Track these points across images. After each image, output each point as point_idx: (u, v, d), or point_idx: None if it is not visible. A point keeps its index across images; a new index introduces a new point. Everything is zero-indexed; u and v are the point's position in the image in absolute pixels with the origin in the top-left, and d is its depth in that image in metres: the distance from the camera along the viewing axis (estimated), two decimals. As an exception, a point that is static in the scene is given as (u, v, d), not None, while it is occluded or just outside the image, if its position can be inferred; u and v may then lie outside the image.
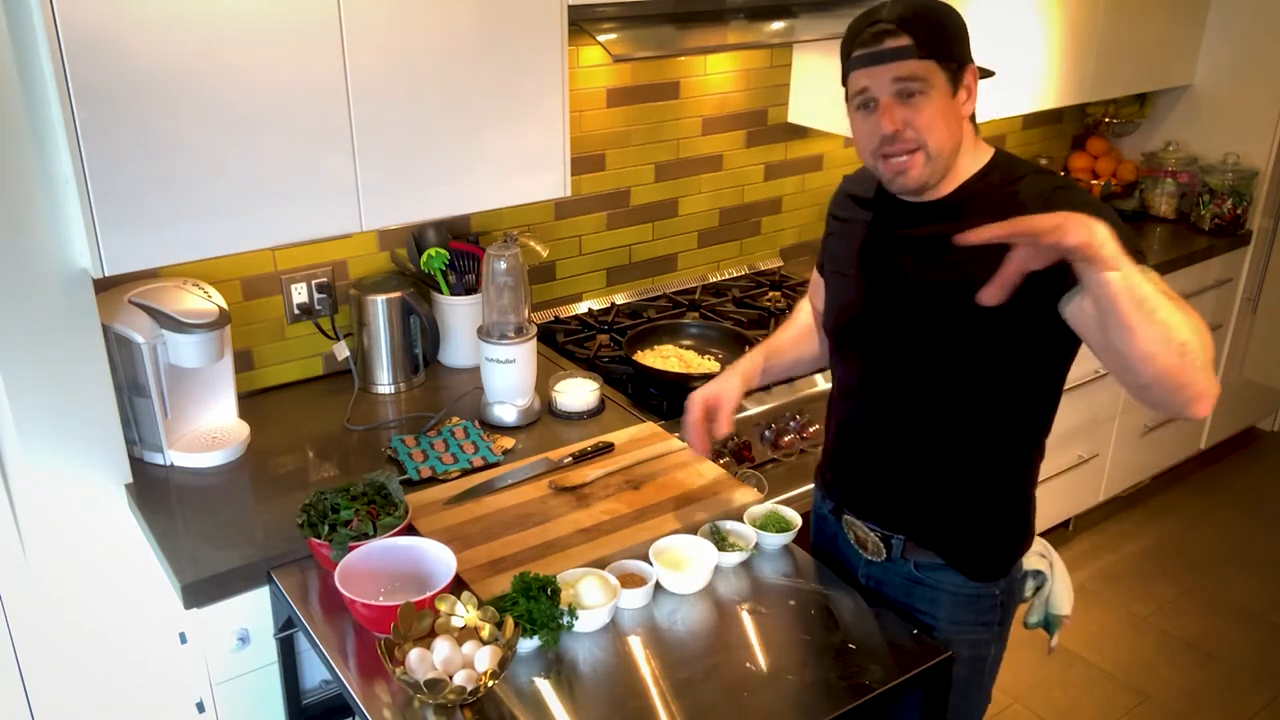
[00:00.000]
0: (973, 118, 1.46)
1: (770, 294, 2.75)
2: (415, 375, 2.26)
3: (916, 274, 1.47)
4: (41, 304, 1.67)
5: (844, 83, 1.45)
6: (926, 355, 1.48)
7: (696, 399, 1.73)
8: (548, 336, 2.47)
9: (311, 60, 1.66)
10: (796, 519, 1.70)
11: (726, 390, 1.72)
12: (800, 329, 1.86)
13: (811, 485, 2.27)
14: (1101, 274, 1.14)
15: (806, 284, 2.78)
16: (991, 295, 1.18)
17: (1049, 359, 1.47)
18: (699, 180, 2.77)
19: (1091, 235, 1.12)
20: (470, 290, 2.27)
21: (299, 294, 2.18)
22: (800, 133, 2.89)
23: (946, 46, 1.39)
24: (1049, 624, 1.81)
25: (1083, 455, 3.19)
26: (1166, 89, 3.55)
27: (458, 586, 1.50)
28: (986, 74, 1.54)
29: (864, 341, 1.57)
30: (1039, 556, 1.74)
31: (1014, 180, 1.43)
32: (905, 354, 1.51)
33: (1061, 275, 1.25)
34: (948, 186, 1.45)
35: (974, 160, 1.46)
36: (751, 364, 1.77)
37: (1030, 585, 1.74)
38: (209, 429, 1.97)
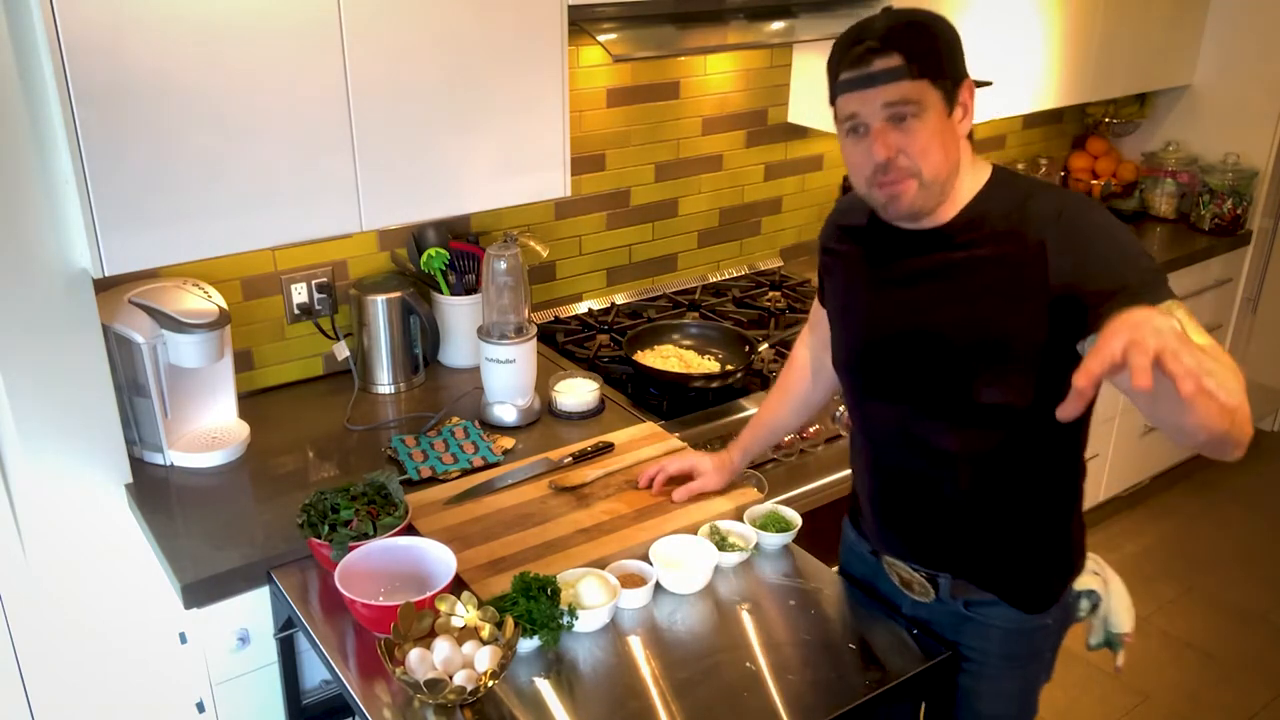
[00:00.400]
0: (970, 134, 1.39)
1: (770, 294, 2.75)
2: (415, 375, 2.26)
3: (926, 309, 1.40)
4: (41, 304, 1.67)
5: (831, 103, 1.36)
6: (948, 392, 1.40)
7: (685, 464, 1.78)
8: (548, 336, 2.47)
9: (312, 60, 1.66)
10: (796, 519, 1.70)
11: (708, 480, 1.76)
12: (789, 397, 1.79)
13: (811, 485, 2.28)
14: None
15: (806, 284, 2.81)
16: (1071, 411, 1.05)
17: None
18: (699, 180, 2.77)
19: (1181, 352, 0.99)
20: (470, 290, 2.26)
21: (299, 294, 2.18)
22: (800, 133, 2.89)
23: (939, 63, 1.30)
24: (1111, 643, 1.70)
25: (1083, 455, 3.19)
26: (1166, 89, 3.55)
27: (458, 586, 1.50)
28: (983, 84, 1.46)
29: (881, 382, 1.49)
30: (1092, 575, 1.64)
31: (1018, 202, 1.35)
32: (926, 392, 1.43)
33: (1076, 318, 1.22)
34: (948, 212, 1.38)
35: (973, 180, 1.38)
36: (740, 458, 1.80)
37: (1085, 605, 1.64)
38: (209, 429, 1.97)
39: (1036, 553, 1.49)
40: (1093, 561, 1.65)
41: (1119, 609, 1.66)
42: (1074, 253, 1.28)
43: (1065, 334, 1.28)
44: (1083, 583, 1.61)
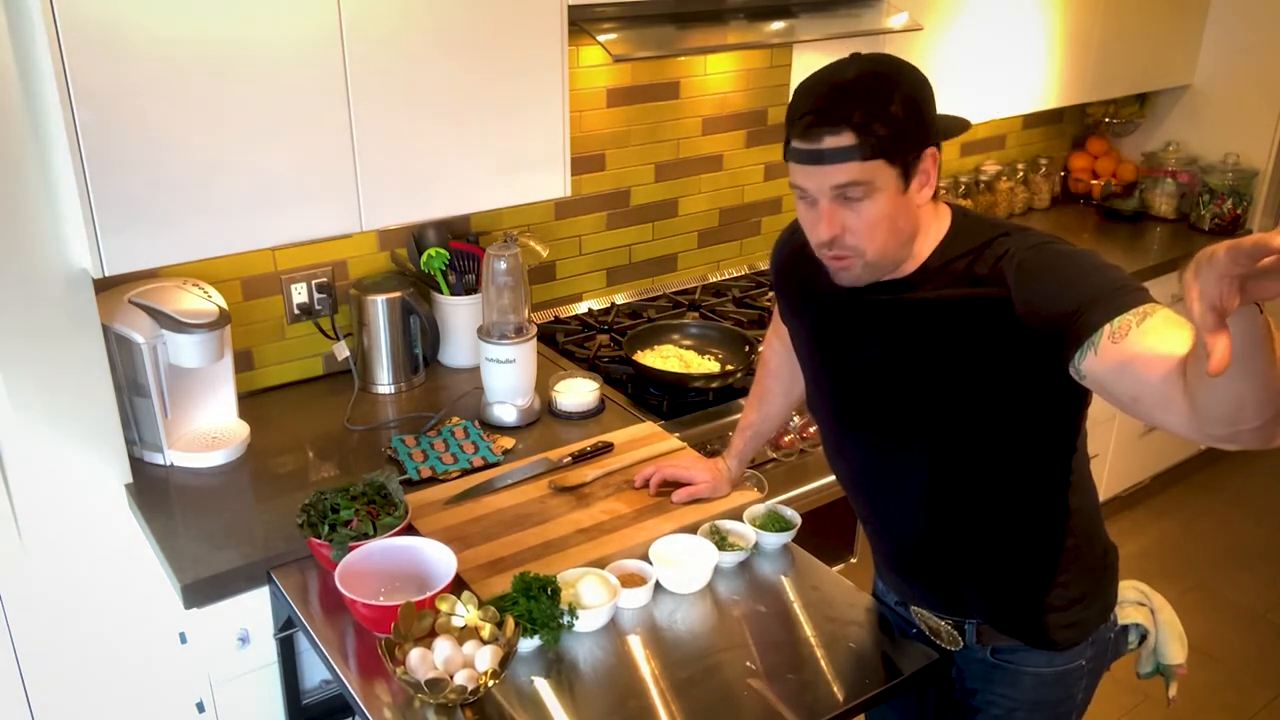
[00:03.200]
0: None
1: (770, 294, 2.75)
2: (415, 375, 2.25)
3: (892, 356, 1.35)
4: (42, 304, 1.67)
5: (785, 159, 1.29)
6: (921, 436, 1.36)
7: (681, 475, 1.77)
8: (548, 336, 2.47)
9: (312, 60, 1.66)
10: (796, 519, 1.70)
11: (705, 490, 1.75)
12: (769, 398, 1.77)
13: (811, 485, 2.29)
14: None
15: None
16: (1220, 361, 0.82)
17: (1059, 408, 1.33)
18: (699, 180, 2.77)
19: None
20: (470, 290, 2.26)
21: (299, 294, 2.18)
22: (800, 133, 2.89)
23: (898, 140, 1.20)
24: (1163, 673, 1.65)
25: (1083, 455, 3.19)
26: (1166, 89, 3.55)
27: (458, 586, 1.50)
28: (963, 126, 1.35)
29: (855, 430, 1.46)
30: (1136, 607, 1.57)
31: (978, 248, 1.29)
32: (901, 438, 1.39)
33: (1055, 345, 1.18)
34: (908, 267, 1.32)
35: (935, 232, 1.32)
36: (736, 465, 1.79)
37: (1133, 638, 1.58)
38: (209, 429, 1.97)
39: (1047, 590, 1.42)
40: (1137, 592, 1.59)
41: (1170, 639, 1.60)
42: (1038, 282, 1.22)
43: (1047, 364, 1.22)
44: (1127, 616, 1.55)
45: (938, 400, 1.33)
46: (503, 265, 1.97)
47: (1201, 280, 0.81)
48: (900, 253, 1.30)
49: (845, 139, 1.19)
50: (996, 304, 1.25)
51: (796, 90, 1.27)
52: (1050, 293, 1.21)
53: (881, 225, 1.25)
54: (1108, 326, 1.13)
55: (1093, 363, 1.14)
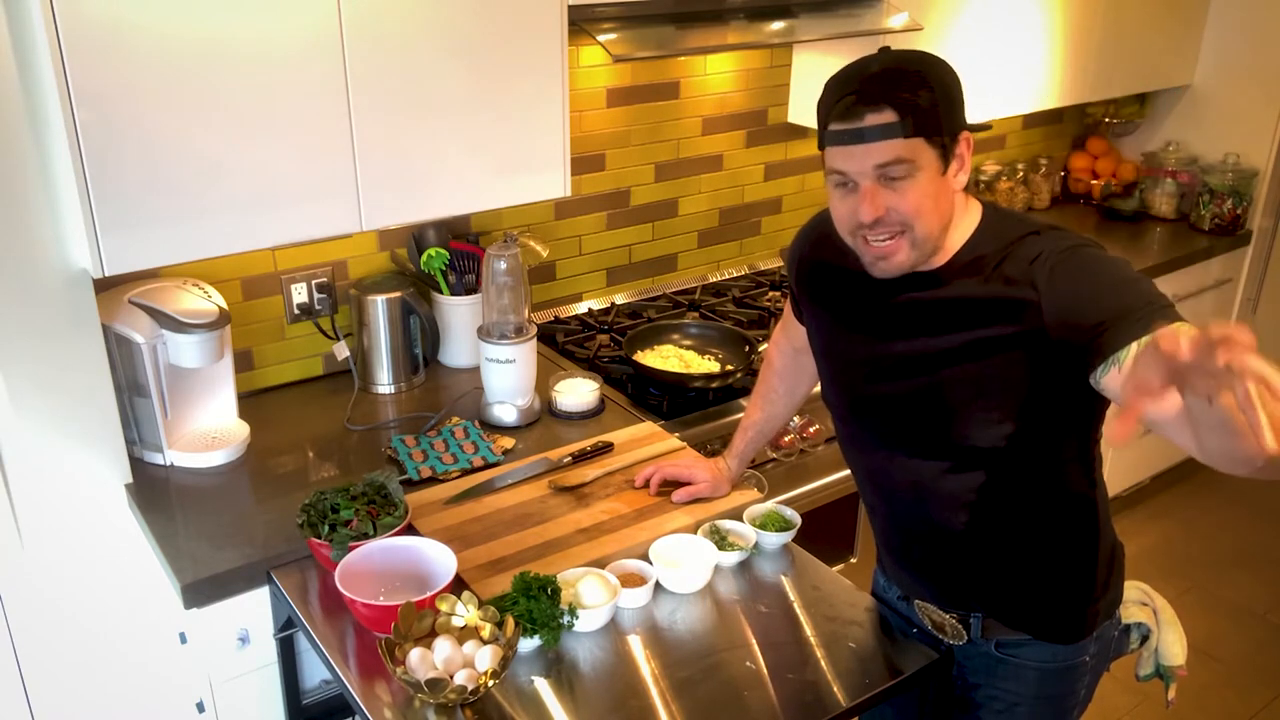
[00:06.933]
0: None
1: (770, 294, 2.75)
2: (415, 375, 2.26)
3: (914, 351, 1.35)
4: (42, 304, 1.67)
5: (820, 149, 1.29)
6: (941, 434, 1.36)
7: (681, 474, 1.76)
8: (548, 336, 2.47)
9: (312, 60, 1.66)
10: (796, 519, 1.70)
11: (705, 489, 1.75)
12: (773, 398, 1.77)
13: (811, 485, 2.29)
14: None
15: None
16: (1123, 435, 0.90)
17: (1076, 409, 1.33)
18: (699, 180, 2.77)
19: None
20: (470, 290, 2.27)
21: (299, 294, 2.18)
22: (800, 133, 2.89)
23: (936, 119, 1.21)
24: (1162, 675, 1.66)
25: (1083, 455, 3.19)
26: (1166, 89, 3.55)
27: (458, 586, 1.50)
28: (980, 128, 1.34)
29: (871, 426, 1.46)
30: (1139, 606, 1.59)
31: (1009, 245, 1.29)
32: (919, 435, 1.38)
33: (1080, 354, 1.18)
34: (939, 259, 1.32)
35: (965, 225, 1.33)
36: (736, 465, 1.79)
37: (1135, 638, 1.59)
38: (209, 429, 1.97)
39: (1059, 583, 1.43)
40: (1140, 592, 1.60)
41: (1170, 640, 1.61)
42: (1070, 289, 1.23)
43: (1069, 370, 1.23)
44: (1130, 615, 1.56)
45: (956, 396, 1.33)
46: (503, 265, 1.97)
47: (1141, 365, 0.91)
48: (940, 239, 1.30)
49: (887, 116, 1.20)
50: (1025, 306, 1.25)
51: (828, 82, 1.28)
52: (1080, 302, 1.20)
53: (926, 203, 1.25)
54: (1135, 345, 1.13)
55: (1115, 379, 1.15)
